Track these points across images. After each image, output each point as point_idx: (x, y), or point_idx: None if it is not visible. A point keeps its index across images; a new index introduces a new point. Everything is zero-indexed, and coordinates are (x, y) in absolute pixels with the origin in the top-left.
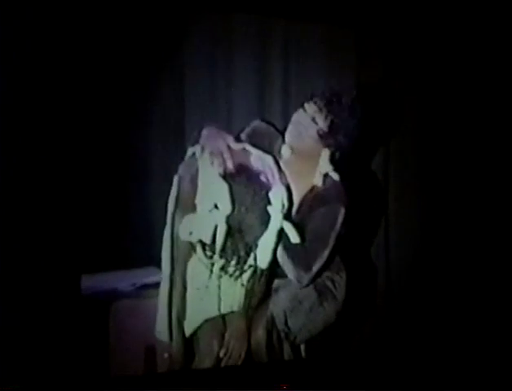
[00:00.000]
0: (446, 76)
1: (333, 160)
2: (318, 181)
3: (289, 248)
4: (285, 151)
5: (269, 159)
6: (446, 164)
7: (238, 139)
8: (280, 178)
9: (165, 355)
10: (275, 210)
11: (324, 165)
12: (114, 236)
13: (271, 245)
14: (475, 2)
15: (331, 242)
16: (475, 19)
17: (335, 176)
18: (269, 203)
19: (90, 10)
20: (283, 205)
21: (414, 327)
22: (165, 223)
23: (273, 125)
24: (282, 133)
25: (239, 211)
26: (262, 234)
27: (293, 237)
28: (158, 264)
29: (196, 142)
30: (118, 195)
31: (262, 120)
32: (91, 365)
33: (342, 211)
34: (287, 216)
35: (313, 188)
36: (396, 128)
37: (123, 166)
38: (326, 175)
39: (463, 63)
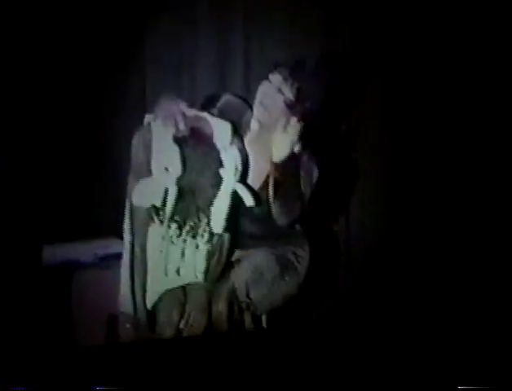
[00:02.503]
0: (414, 47)
1: (301, 130)
2: (289, 149)
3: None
4: (254, 124)
5: (226, 125)
6: (412, 137)
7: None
8: (235, 142)
9: (127, 325)
10: (228, 173)
11: (294, 134)
12: (76, 206)
13: (224, 209)
14: None
15: (308, 193)
16: None
17: (304, 144)
18: (222, 166)
19: None
20: (236, 168)
21: (374, 302)
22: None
23: (244, 99)
24: (251, 107)
25: (190, 173)
26: (214, 197)
27: (248, 200)
28: (120, 234)
29: (153, 111)
30: (81, 166)
31: (233, 94)
32: (54, 335)
33: (316, 171)
34: (242, 180)
35: (286, 157)
36: (361, 94)
37: (86, 136)
38: (297, 144)
39: (434, 33)
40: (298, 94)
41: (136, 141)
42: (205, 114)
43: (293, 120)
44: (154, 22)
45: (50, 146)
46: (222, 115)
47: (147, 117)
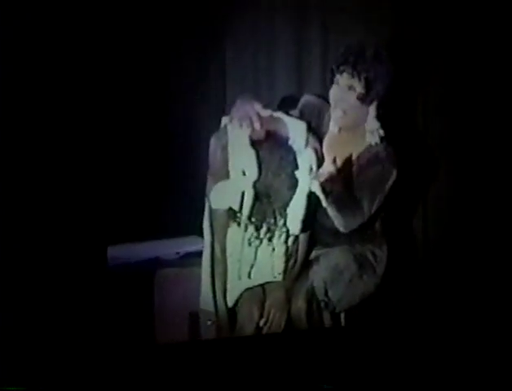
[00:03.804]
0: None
1: (379, 118)
2: (369, 139)
3: (338, 198)
4: (333, 127)
5: (301, 125)
6: (481, 127)
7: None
8: (311, 143)
9: (209, 322)
10: (303, 174)
11: (373, 123)
12: (157, 206)
13: (301, 210)
14: None
15: (380, 199)
16: None
17: (382, 132)
18: (297, 168)
19: None
20: (311, 169)
21: (452, 302)
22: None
23: (323, 97)
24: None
25: (266, 176)
26: (290, 199)
27: (324, 200)
28: (201, 232)
29: (229, 113)
30: (162, 167)
31: (313, 94)
32: (136, 332)
33: (394, 173)
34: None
35: (365, 150)
36: (429, 74)
37: (170, 137)
38: (376, 133)
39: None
40: (367, 83)
41: (213, 143)
42: (280, 114)
43: (371, 108)
44: (233, 25)
45: (134, 147)
46: (302, 116)
47: (224, 119)
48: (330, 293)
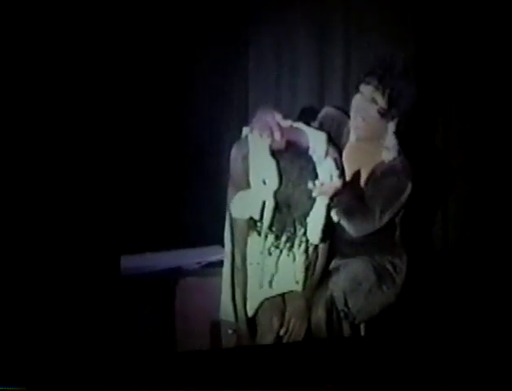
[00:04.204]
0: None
1: (398, 134)
2: (386, 156)
3: (346, 207)
4: (352, 136)
5: (321, 135)
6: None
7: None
8: (331, 154)
9: (230, 331)
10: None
11: (391, 139)
12: (180, 215)
13: (321, 220)
14: None
15: (392, 210)
16: None
17: (399, 148)
18: (317, 178)
19: None
20: (331, 179)
21: (472, 311)
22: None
23: (342, 110)
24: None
25: (286, 186)
26: (310, 209)
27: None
28: (223, 242)
29: (250, 123)
30: (184, 176)
31: (333, 106)
32: (158, 341)
33: (410, 186)
34: None
35: (382, 163)
36: (454, 94)
37: (191, 146)
38: (393, 149)
39: None
40: (390, 99)
41: (234, 153)
42: (300, 124)
43: (391, 125)
44: (256, 36)
45: (157, 157)
46: (321, 127)
47: (245, 130)
48: (350, 304)
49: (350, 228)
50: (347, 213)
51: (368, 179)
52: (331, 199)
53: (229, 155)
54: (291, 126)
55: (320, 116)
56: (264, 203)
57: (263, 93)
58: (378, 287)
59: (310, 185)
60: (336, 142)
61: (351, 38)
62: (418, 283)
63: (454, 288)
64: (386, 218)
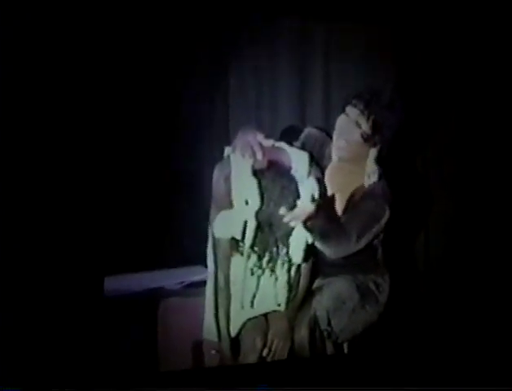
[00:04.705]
0: (485, 74)
1: (379, 160)
2: (367, 180)
3: (321, 230)
4: (334, 157)
5: (304, 155)
6: (486, 163)
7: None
8: (313, 173)
9: (213, 351)
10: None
11: (371, 165)
12: (162, 236)
13: (303, 239)
14: None
15: (370, 234)
16: None
17: (379, 174)
18: (299, 197)
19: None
20: (313, 199)
21: (455, 328)
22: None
23: (325, 131)
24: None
25: (268, 206)
26: (292, 228)
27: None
28: (205, 263)
29: (232, 143)
30: (166, 198)
31: (315, 127)
32: (140, 360)
33: (388, 211)
34: None
35: (362, 186)
36: (437, 120)
37: (172, 167)
38: (373, 175)
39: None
40: (374, 125)
41: (217, 174)
42: (282, 144)
43: (372, 151)
44: (237, 56)
45: (137, 176)
46: (304, 147)
47: (227, 149)
48: (333, 323)
49: (325, 250)
50: (322, 236)
51: (347, 202)
52: (304, 223)
53: (211, 175)
54: (273, 146)
55: (302, 136)
56: (246, 222)
57: (245, 113)
58: (362, 306)
59: (282, 211)
60: (318, 162)
61: (333, 59)
62: (401, 302)
63: (436, 307)
64: (363, 242)
